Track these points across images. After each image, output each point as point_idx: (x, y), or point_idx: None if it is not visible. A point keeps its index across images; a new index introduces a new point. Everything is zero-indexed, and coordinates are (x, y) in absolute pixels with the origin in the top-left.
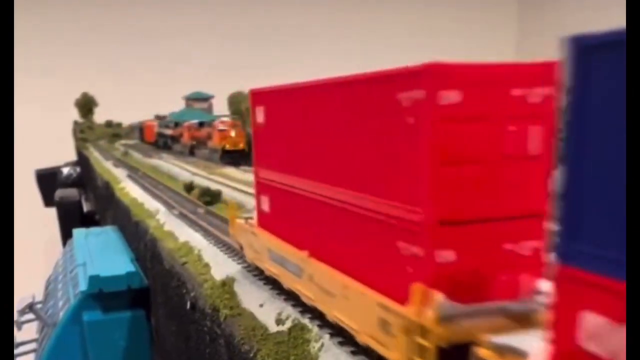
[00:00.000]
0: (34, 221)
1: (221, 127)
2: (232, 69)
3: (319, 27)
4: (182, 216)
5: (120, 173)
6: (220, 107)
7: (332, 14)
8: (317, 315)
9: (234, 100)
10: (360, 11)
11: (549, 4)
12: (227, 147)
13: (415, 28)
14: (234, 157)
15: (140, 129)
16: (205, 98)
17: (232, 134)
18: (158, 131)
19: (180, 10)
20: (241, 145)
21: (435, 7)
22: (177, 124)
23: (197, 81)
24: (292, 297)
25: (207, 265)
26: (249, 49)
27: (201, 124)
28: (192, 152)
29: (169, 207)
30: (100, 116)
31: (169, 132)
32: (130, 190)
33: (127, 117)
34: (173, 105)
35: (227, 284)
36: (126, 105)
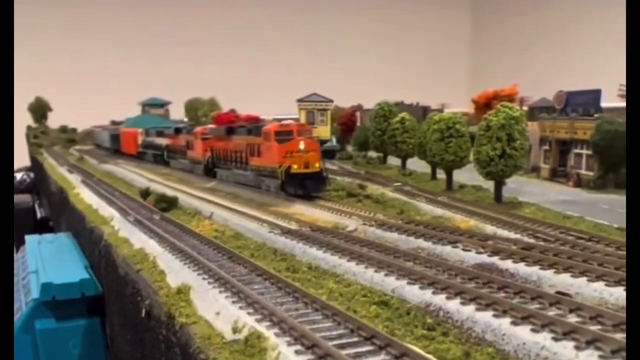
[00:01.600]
0: None
1: (280, 136)
2: (187, 76)
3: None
4: (138, 222)
5: (74, 179)
6: (175, 113)
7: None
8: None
9: (191, 107)
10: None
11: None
12: (296, 168)
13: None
14: (307, 185)
15: (112, 137)
16: (162, 104)
17: (301, 146)
18: (145, 140)
19: (136, 16)
20: (317, 166)
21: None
22: (179, 131)
23: (152, 87)
24: (248, 305)
25: (162, 273)
26: (207, 56)
27: (231, 131)
28: (209, 169)
29: (125, 213)
30: (54, 121)
31: (163, 141)
32: (85, 196)
33: (81, 123)
34: (129, 111)
35: (182, 292)
36: (81, 110)
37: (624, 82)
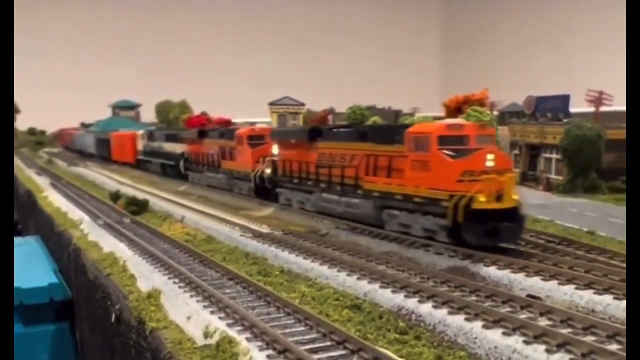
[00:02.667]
0: None
1: (448, 144)
2: (158, 78)
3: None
4: (107, 226)
5: (43, 181)
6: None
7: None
8: None
9: (162, 109)
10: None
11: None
12: (483, 202)
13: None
14: (500, 230)
15: (100, 142)
16: (132, 106)
17: (488, 161)
18: (148, 146)
19: (106, 19)
20: (514, 198)
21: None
22: (205, 134)
23: (123, 89)
24: (220, 310)
25: (132, 277)
26: (178, 59)
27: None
28: (263, 189)
29: (94, 216)
30: (22, 123)
31: (177, 148)
32: (54, 199)
33: (50, 125)
34: (99, 113)
35: (153, 296)
36: (49, 112)
37: (592, 87)
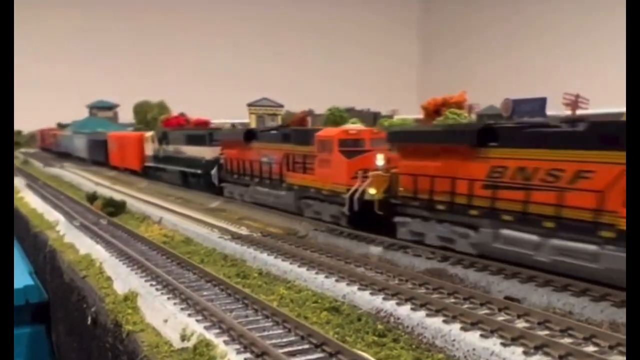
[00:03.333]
0: None
1: None
2: (136, 78)
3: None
4: (84, 227)
5: (19, 182)
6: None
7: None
8: None
9: (140, 110)
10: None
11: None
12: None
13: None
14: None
15: (93, 144)
16: (110, 107)
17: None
18: (162, 150)
19: (83, 18)
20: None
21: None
22: (254, 135)
23: (100, 90)
24: (197, 312)
25: (109, 279)
26: (156, 59)
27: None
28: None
29: (70, 218)
30: None
31: (207, 153)
32: (30, 200)
33: (26, 125)
34: (75, 113)
35: (129, 299)
36: (25, 112)
37: (569, 91)
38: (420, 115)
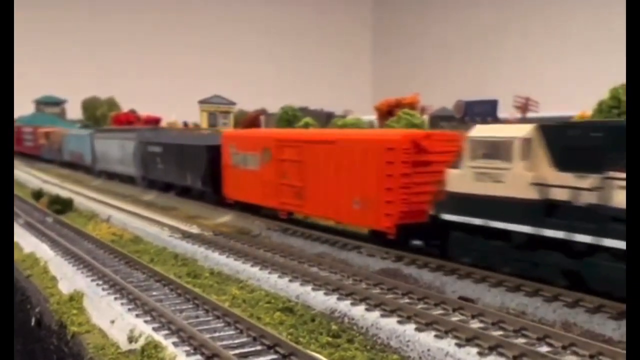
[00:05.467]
0: None
1: None
2: (85, 74)
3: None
4: (29, 225)
5: None
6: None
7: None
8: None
9: (89, 106)
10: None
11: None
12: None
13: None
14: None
15: (181, 155)
16: (57, 102)
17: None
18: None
19: (32, 9)
20: None
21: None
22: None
23: (47, 84)
24: (145, 313)
25: (54, 279)
26: (105, 55)
27: None
28: None
29: (15, 215)
30: None
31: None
32: None
33: None
34: (21, 108)
35: (75, 299)
36: None
37: (519, 94)
38: (374, 116)
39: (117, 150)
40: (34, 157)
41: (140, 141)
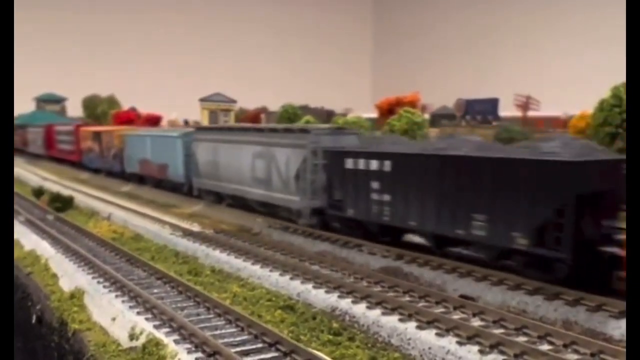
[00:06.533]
0: None
1: None
2: (86, 72)
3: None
4: (29, 223)
5: None
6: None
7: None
8: None
9: (89, 104)
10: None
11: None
12: None
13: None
14: None
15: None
16: (58, 100)
17: None
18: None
19: (33, 9)
20: None
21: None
22: None
23: (48, 82)
24: (146, 310)
25: (54, 276)
26: (106, 53)
27: None
28: None
29: (15, 213)
30: None
31: None
32: None
33: None
34: (21, 106)
35: (76, 296)
36: None
37: (520, 92)
38: (374, 114)
39: (248, 161)
40: (69, 164)
41: (325, 151)
